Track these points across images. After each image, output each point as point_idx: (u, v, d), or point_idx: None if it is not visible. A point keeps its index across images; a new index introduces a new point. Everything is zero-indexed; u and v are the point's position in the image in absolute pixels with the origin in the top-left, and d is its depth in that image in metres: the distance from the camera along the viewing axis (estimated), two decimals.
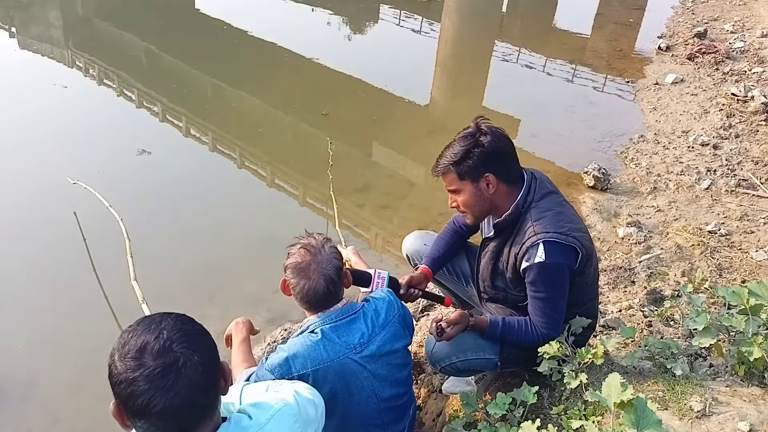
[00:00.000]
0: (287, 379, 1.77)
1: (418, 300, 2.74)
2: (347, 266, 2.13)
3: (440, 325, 2.06)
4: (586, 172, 4.64)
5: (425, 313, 3.35)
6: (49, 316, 3.48)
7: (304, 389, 1.51)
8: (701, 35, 7.62)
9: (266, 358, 1.87)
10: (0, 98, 6.06)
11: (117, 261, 3.48)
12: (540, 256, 1.97)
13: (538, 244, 1.97)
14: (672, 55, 7.42)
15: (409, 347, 2.15)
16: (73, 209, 4.03)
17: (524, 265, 2.03)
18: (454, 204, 2.17)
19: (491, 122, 2.10)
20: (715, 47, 7.03)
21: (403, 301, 2.18)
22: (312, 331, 1.89)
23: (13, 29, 8.35)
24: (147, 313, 2.87)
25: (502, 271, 2.16)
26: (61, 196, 4.33)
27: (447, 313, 2.20)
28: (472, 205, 2.13)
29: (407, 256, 2.65)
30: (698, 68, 6.83)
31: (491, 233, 2.19)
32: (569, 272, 2.04)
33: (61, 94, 6.36)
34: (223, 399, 1.43)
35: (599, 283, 3.20)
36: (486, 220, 2.26)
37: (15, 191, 4.55)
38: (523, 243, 2.02)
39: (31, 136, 5.38)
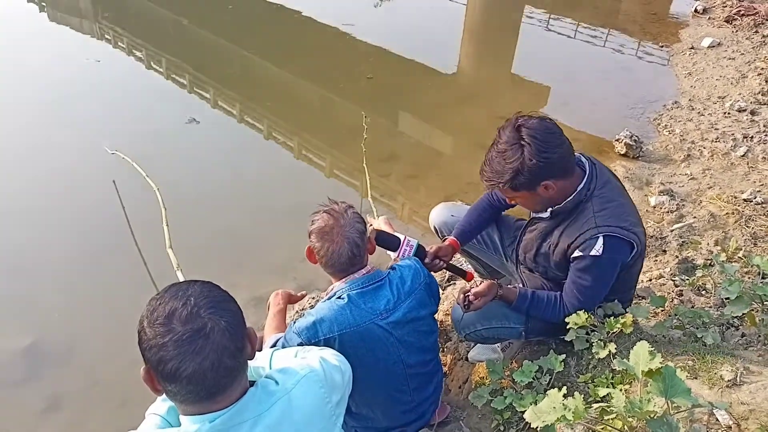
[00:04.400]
0: (314, 343, 1.80)
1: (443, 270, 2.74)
2: (371, 230, 2.13)
3: (468, 296, 2.06)
4: (617, 140, 4.55)
5: (451, 282, 3.36)
6: (87, 282, 3.59)
7: (331, 356, 1.52)
8: None
9: (294, 323, 1.90)
10: (35, 72, 6.15)
11: (152, 229, 3.56)
12: (597, 249, 1.92)
13: (598, 237, 1.91)
14: (709, 18, 7.16)
15: (435, 315, 2.16)
16: (112, 179, 4.12)
17: (577, 253, 1.97)
18: (512, 202, 2.13)
19: (531, 118, 1.92)
20: (755, 8, 6.76)
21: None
22: (339, 297, 1.91)
23: (43, 2, 8.42)
24: (182, 279, 2.94)
25: (547, 252, 2.12)
26: (100, 166, 4.42)
27: (474, 283, 2.18)
28: (532, 205, 2.08)
29: (435, 228, 2.63)
30: (736, 31, 6.59)
31: (546, 215, 2.10)
32: (620, 266, 2.01)
33: (95, 68, 6.42)
34: (254, 364, 1.46)
35: None
36: None
37: (56, 162, 4.65)
38: (581, 233, 1.96)
39: (68, 109, 5.48)
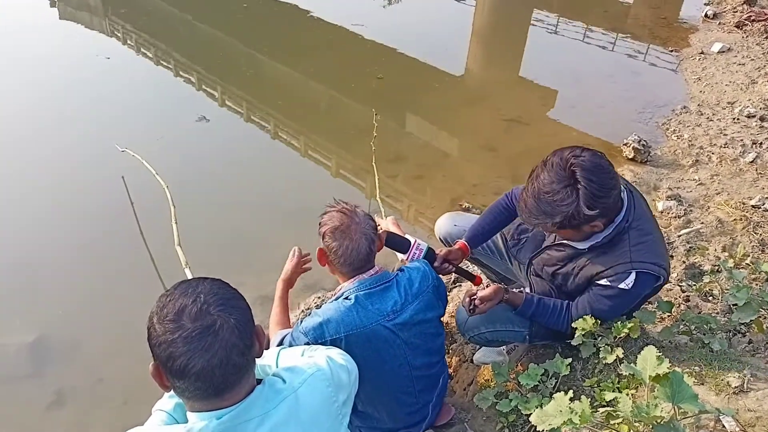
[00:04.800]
0: (320, 343, 1.80)
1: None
2: (381, 230, 2.13)
3: (474, 300, 2.05)
4: (625, 144, 4.53)
5: (458, 284, 3.35)
6: (94, 279, 3.60)
7: (338, 355, 1.53)
8: (751, 2, 7.30)
9: (301, 321, 1.90)
10: (45, 67, 6.19)
11: (160, 226, 3.56)
12: (628, 283, 1.88)
13: (631, 272, 1.87)
14: (719, 23, 7.14)
15: (442, 318, 2.16)
16: (122, 175, 4.13)
17: (605, 282, 1.93)
18: (550, 233, 2.08)
19: (583, 154, 1.79)
20: (766, 14, 6.73)
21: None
22: (346, 297, 1.91)
23: None
24: (190, 277, 2.94)
25: (569, 272, 2.07)
26: (110, 163, 4.43)
27: (482, 287, 2.16)
28: (574, 239, 2.01)
29: (440, 238, 2.62)
30: (747, 37, 6.57)
31: (584, 248, 2.01)
32: (641, 297, 2.00)
33: (105, 65, 6.45)
34: (261, 362, 1.47)
35: None
36: None
37: (65, 159, 4.69)
38: (614, 264, 1.90)
39: (79, 106, 5.52)
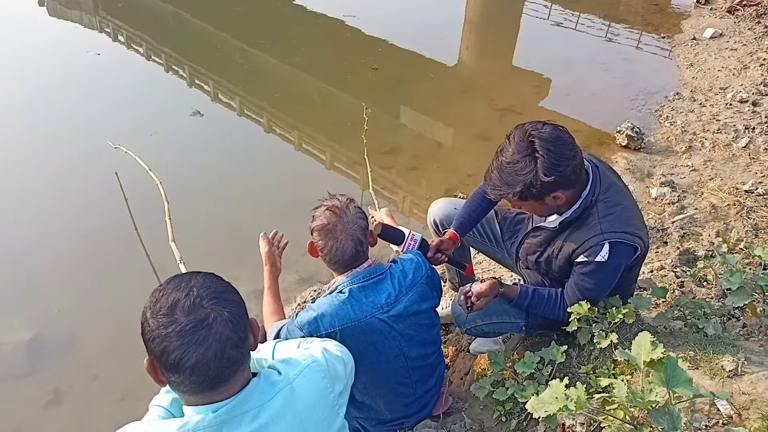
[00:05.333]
0: (315, 337, 1.80)
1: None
2: (375, 224, 2.13)
3: (470, 298, 2.05)
4: (619, 131, 4.54)
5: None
6: (89, 276, 3.60)
7: (333, 347, 1.53)
8: None
9: (296, 316, 1.90)
10: (38, 66, 6.14)
11: (154, 222, 3.56)
12: (603, 255, 1.90)
13: (604, 243, 1.89)
14: (711, 9, 7.14)
15: (437, 308, 2.16)
16: (115, 172, 4.11)
17: (582, 258, 1.95)
18: (516, 208, 2.09)
19: (544, 128, 1.83)
20: None
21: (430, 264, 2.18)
22: (340, 291, 1.91)
23: None
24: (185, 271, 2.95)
25: (550, 256, 2.10)
26: (103, 159, 4.40)
27: (477, 282, 2.16)
28: (538, 213, 2.05)
29: (435, 221, 2.59)
30: (738, 22, 6.56)
31: (554, 226, 2.05)
32: (623, 269, 2.00)
33: (95, 61, 6.41)
34: (257, 355, 1.46)
35: None
36: None
37: (58, 156, 4.67)
38: (587, 239, 1.93)
39: (71, 103, 5.49)
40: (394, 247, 2.26)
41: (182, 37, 7.47)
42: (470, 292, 2.04)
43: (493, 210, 2.48)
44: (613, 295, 2.10)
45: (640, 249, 1.97)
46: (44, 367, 3.08)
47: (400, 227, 2.25)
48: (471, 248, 2.75)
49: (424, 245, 2.24)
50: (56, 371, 3.06)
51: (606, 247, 1.89)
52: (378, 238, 2.11)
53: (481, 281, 2.09)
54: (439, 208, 2.61)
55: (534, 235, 2.17)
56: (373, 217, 2.36)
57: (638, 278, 2.73)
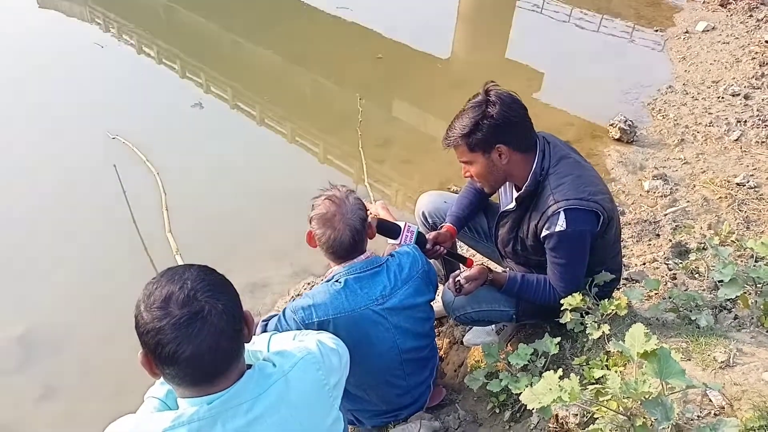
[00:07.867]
0: (308, 324, 1.82)
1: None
2: (372, 217, 2.13)
3: (458, 281, 2.06)
4: (611, 125, 4.55)
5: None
6: (84, 268, 3.57)
7: (328, 339, 1.53)
8: None
9: (291, 301, 1.91)
10: (28, 58, 6.07)
11: (150, 214, 3.55)
12: (561, 224, 1.92)
13: (559, 212, 1.92)
14: (704, 2, 7.15)
15: (432, 303, 2.16)
16: (113, 164, 4.09)
17: (545, 233, 1.98)
18: (467, 174, 2.10)
19: (501, 88, 1.98)
20: None
21: (427, 257, 2.19)
22: (336, 281, 1.92)
23: None
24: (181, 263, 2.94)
25: (523, 238, 2.13)
26: (101, 151, 4.39)
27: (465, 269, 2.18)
28: (485, 176, 2.06)
29: (423, 213, 2.58)
30: (731, 15, 6.58)
31: (512, 206, 2.12)
32: (590, 237, 2.00)
33: (95, 52, 6.35)
34: (252, 347, 1.46)
35: (624, 236, 3.17)
36: (503, 191, 2.22)
37: (56, 148, 4.62)
38: (544, 212, 1.97)
39: (69, 93, 5.43)
40: (391, 241, 2.26)
41: (175, 30, 7.42)
42: (459, 275, 2.06)
43: None
44: (598, 270, 2.11)
45: (602, 215, 1.97)
46: (36, 361, 3.05)
47: (396, 221, 2.25)
48: (459, 244, 2.76)
49: (421, 238, 2.24)
50: (49, 365, 3.03)
51: (562, 215, 1.92)
52: (377, 233, 2.11)
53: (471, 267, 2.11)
54: (428, 200, 2.60)
55: (503, 224, 2.22)
56: (369, 211, 2.35)
57: (630, 268, 2.75)
